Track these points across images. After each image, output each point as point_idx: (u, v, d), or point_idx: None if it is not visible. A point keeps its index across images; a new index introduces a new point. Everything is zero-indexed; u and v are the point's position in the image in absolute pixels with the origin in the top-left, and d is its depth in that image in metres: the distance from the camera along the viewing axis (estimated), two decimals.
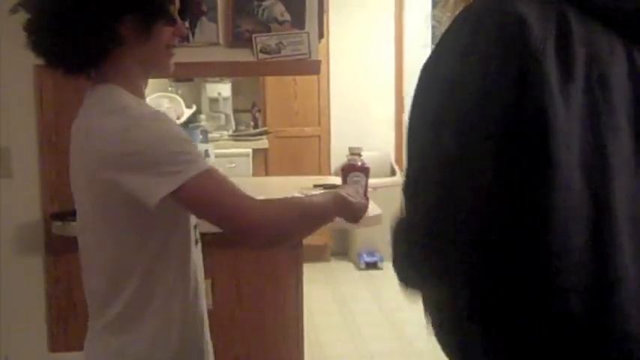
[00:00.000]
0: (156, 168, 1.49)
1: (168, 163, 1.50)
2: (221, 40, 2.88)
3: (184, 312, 1.72)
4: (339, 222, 3.22)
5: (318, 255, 5.63)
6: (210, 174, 1.56)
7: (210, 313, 2.92)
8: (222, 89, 5.47)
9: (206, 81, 5.44)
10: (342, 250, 5.83)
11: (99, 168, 1.52)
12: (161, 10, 1.60)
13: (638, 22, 1.17)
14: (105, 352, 1.65)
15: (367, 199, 2.96)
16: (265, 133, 5.38)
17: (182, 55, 2.84)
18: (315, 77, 5.31)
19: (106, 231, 1.61)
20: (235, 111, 5.60)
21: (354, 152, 2.96)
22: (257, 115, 5.56)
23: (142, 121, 1.52)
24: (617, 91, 1.13)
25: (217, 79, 5.40)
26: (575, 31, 1.12)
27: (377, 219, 2.97)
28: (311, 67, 2.89)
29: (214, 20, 2.86)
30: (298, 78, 5.20)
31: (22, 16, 1.60)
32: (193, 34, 2.86)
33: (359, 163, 2.94)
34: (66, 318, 3.00)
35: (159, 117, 1.56)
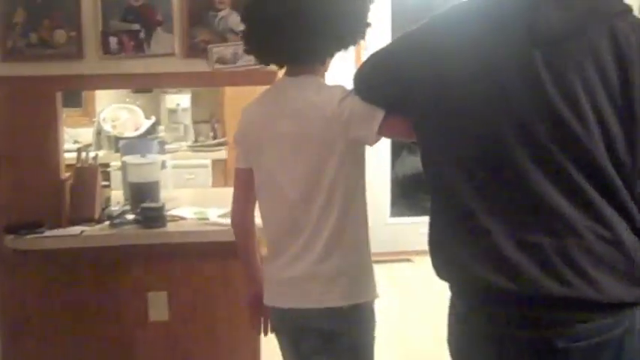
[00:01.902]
0: None
1: None
2: (177, 51, 2.87)
3: None
4: None
5: None
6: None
7: (166, 324, 2.93)
8: (181, 100, 5.44)
9: (165, 92, 5.41)
10: None
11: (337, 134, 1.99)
12: None
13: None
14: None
15: None
16: (224, 143, 5.36)
17: (137, 65, 2.86)
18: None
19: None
20: (194, 122, 5.57)
21: None
22: (216, 125, 5.54)
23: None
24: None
25: (176, 90, 5.37)
26: None
27: None
28: (266, 77, 2.89)
29: (170, 31, 2.85)
30: (258, 88, 5.17)
31: None
32: (149, 45, 2.85)
33: None
34: (20, 334, 2.95)
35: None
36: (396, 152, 6.16)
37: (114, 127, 5.18)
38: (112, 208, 3.00)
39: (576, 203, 1.57)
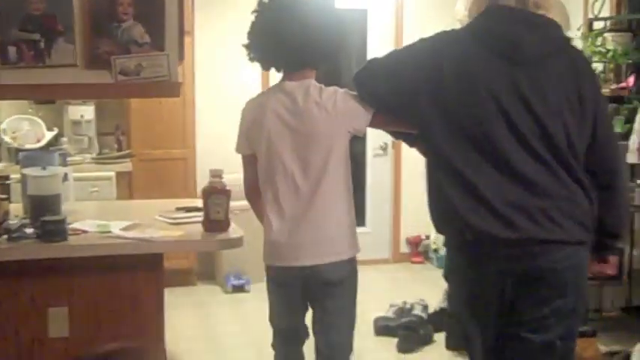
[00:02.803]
0: None
1: None
2: (78, 62, 2.82)
3: None
4: (203, 244, 3.24)
5: (184, 279, 5.57)
6: None
7: (66, 340, 2.87)
8: (84, 112, 5.34)
9: (68, 103, 5.30)
10: (209, 274, 5.79)
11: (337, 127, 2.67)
12: None
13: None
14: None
15: (229, 220, 2.99)
16: (129, 155, 5.30)
17: (37, 76, 2.80)
18: (180, 99, 5.28)
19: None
20: (99, 134, 5.48)
21: (215, 175, 2.97)
22: (121, 137, 5.47)
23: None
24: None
25: (80, 101, 5.28)
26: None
27: (239, 241, 2.98)
28: (171, 89, 2.88)
29: (71, 41, 2.80)
30: (163, 100, 5.16)
31: None
32: (50, 55, 2.79)
33: (219, 186, 2.96)
34: None
35: None
36: None
37: (14, 138, 5.06)
38: (11, 222, 2.92)
39: (548, 176, 2.31)
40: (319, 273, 2.71)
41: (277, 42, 2.65)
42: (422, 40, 2.45)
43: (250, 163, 2.81)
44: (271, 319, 2.90)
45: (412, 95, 2.39)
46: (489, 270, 2.36)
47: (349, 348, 2.88)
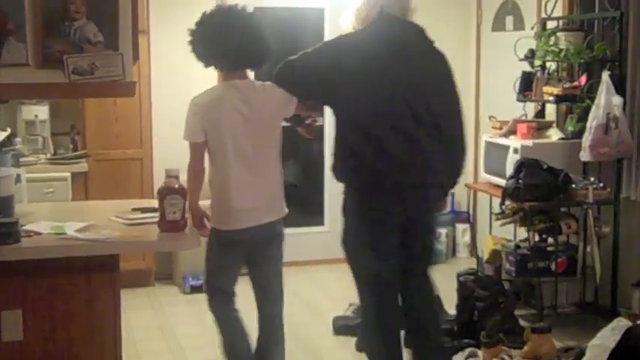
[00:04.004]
0: None
1: None
2: (30, 61, 2.78)
3: None
4: (160, 245, 3.22)
5: (142, 280, 5.52)
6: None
7: (20, 345, 2.82)
8: (39, 111, 5.27)
9: (22, 103, 5.22)
10: (167, 274, 5.75)
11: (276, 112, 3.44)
12: None
13: None
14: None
15: (185, 220, 2.98)
16: (85, 156, 5.24)
17: None
18: (136, 99, 5.23)
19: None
20: (53, 134, 5.41)
21: (171, 175, 2.96)
22: (76, 137, 5.40)
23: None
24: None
25: (34, 100, 5.20)
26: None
27: (196, 241, 2.96)
28: (126, 88, 2.85)
29: (23, 40, 2.76)
30: (119, 100, 5.11)
31: None
32: (0, 55, 2.75)
33: (176, 186, 2.94)
34: None
35: None
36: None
37: None
38: None
39: (426, 137, 3.27)
40: (270, 228, 3.46)
41: (222, 48, 3.32)
42: (328, 44, 3.51)
43: (201, 149, 3.36)
44: (212, 280, 3.55)
45: (335, 85, 3.27)
46: (396, 209, 3.33)
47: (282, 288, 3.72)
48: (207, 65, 3.44)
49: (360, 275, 3.54)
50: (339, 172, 3.44)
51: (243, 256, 3.52)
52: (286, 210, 3.54)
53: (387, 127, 3.24)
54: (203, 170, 3.39)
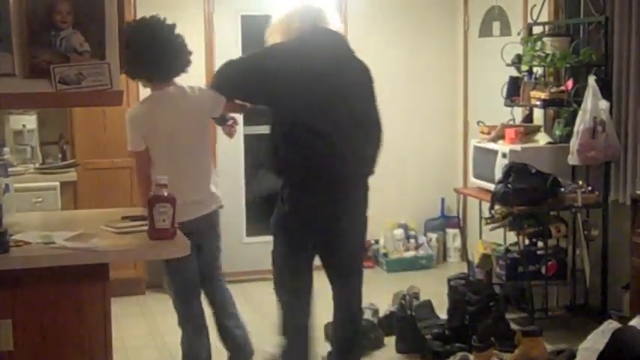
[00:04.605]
0: None
1: None
2: (17, 71, 2.78)
3: None
4: (149, 253, 3.22)
5: (133, 288, 5.51)
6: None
7: (10, 355, 2.82)
8: (27, 121, 5.26)
9: (10, 113, 5.21)
10: (158, 283, 5.73)
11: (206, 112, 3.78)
12: None
13: None
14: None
15: (175, 229, 2.98)
16: (74, 165, 5.23)
17: None
18: (124, 108, 5.21)
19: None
20: (42, 143, 5.40)
21: (160, 183, 2.96)
22: (65, 147, 5.39)
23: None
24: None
25: (21, 110, 5.19)
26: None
27: (185, 249, 2.96)
28: (113, 97, 2.86)
29: (9, 50, 2.76)
30: (107, 109, 5.10)
31: None
32: None
33: (165, 194, 2.94)
34: None
35: None
36: (251, 172, 6.20)
37: None
38: None
39: (357, 139, 3.57)
40: (211, 218, 3.83)
41: (148, 62, 3.59)
42: (268, 51, 3.69)
43: (144, 156, 3.69)
44: (175, 274, 3.80)
45: (277, 88, 3.51)
46: (327, 197, 3.58)
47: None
48: (134, 79, 3.83)
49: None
50: (277, 168, 3.62)
51: (194, 247, 3.43)
52: (221, 200, 3.93)
53: (323, 126, 3.52)
54: (149, 175, 3.63)
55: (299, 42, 3.59)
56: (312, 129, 3.50)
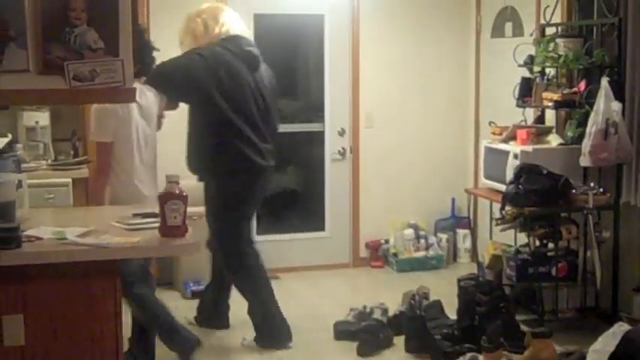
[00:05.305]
0: None
1: None
2: (31, 67, 2.79)
3: None
4: (160, 250, 3.23)
5: None
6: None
7: (22, 349, 2.83)
8: (39, 118, 5.27)
9: (22, 109, 5.23)
10: (168, 280, 5.76)
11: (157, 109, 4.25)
12: None
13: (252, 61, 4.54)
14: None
15: (186, 225, 2.98)
16: (86, 162, 5.24)
17: None
18: None
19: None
20: (54, 140, 5.41)
21: (172, 180, 2.97)
22: (77, 144, 5.41)
23: None
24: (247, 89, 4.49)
25: (34, 106, 5.21)
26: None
27: (196, 247, 2.97)
28: (126, 94, 2.86)
29: (24, 46, 2.77)
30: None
31: None
32: (1, 61, 2.76)
33: (177, 191, 2.95)
34: None
35: None
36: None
37: None
38: None
39: (267, 131, 4.56)
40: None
41: None
42: (197, 56, 4.36)
43: (110, 148, 3.95)
44: (128, 267, 3.75)
45: (204, 88, 4.29)
46: (256, 186, 4.57)
47: None
48: None
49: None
50: (209, 162, 4.50)
51: None
52: None
53: (246, 123, 4.40)
54: (110, 167, 3.95)
55: (223, 50, 4.38)
56: (233, 128, 4.38)
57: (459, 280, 4.82)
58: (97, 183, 4.07)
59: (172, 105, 4.45)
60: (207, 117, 4.42)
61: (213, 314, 4.95)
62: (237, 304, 4.88)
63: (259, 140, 4.47)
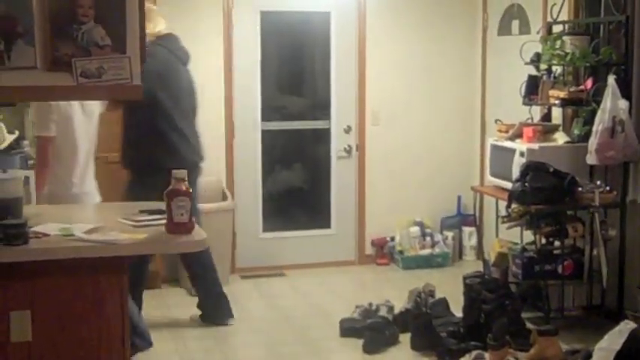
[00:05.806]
0: None
1: None
2: (38, 64, 2.80)
3: None
4: (167, 247, 3.24)
5: (150, 282, 5.52)
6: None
7: (30, 345, 2.85)
8: None
9: (29, 106, 5.23)
10: (174, 277, 5.77)
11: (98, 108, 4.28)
12: None
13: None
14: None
15: (192, 222, 2.99)
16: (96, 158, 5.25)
17: None
18: None
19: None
20: None
21: (178, 177, 2.97)
22: None
23: None
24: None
25: None
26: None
27: (202, 243, 2.98)
28: (133, 91, 2.87)
29: (31, 43, 2.78)
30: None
31: None
32: (9, 57, 2.77)
33: (183, 188, 2.96)
34: None
35: None
36: (268, 168, 6.21)
37: None
38: None
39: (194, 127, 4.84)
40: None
41: None
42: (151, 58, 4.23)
43: (53, 142, 3.98)
44: None
45: (152, 88, 4.16)
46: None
47: None
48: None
49: None
50: (148, 157, 4.56)
51: None
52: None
53: (183, 119, 4.65)
54: (49, 161, 3.99)
55: (163, 50, 4.57)
56: (176, 123, 4.62)
57: (464, 278, 4.82)
58: (38, 178, 4.09)
59: (115, 106, 4.41)
60: (148, 114, 4.45)
61: (213, 307, 4.96)
62: (234, 298, 4.87)
63: (191, 135, 4.70)
